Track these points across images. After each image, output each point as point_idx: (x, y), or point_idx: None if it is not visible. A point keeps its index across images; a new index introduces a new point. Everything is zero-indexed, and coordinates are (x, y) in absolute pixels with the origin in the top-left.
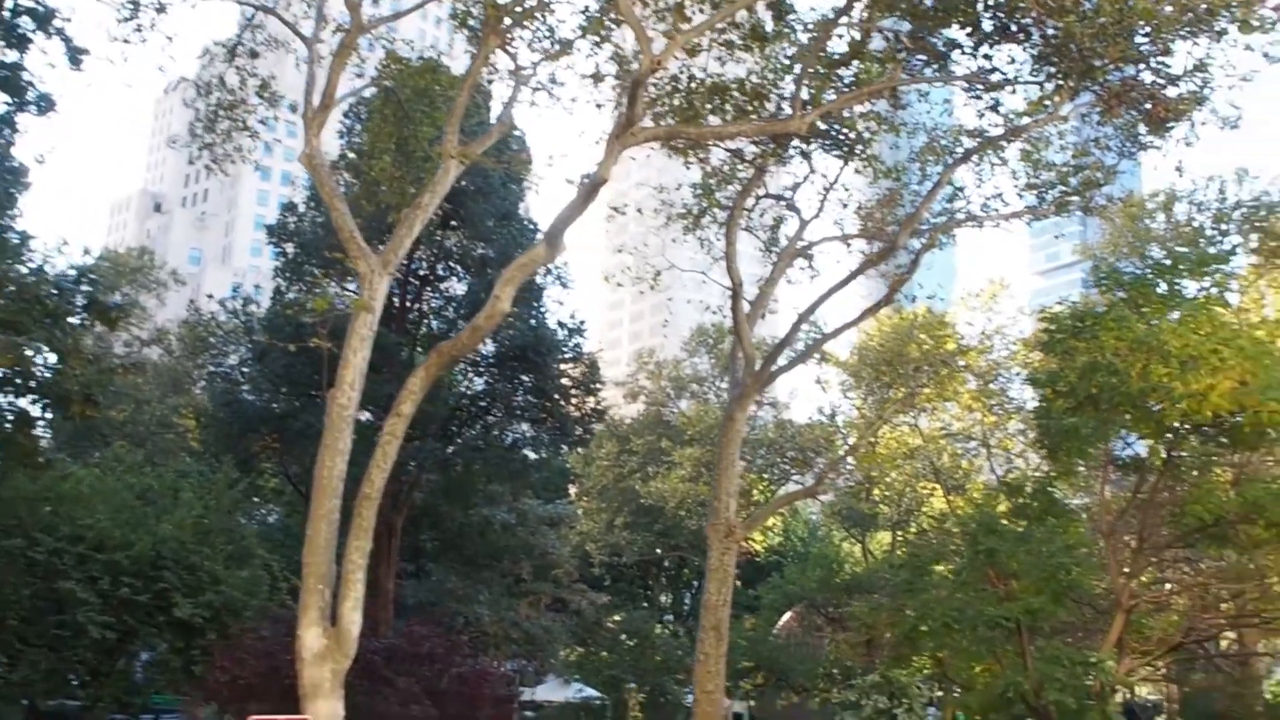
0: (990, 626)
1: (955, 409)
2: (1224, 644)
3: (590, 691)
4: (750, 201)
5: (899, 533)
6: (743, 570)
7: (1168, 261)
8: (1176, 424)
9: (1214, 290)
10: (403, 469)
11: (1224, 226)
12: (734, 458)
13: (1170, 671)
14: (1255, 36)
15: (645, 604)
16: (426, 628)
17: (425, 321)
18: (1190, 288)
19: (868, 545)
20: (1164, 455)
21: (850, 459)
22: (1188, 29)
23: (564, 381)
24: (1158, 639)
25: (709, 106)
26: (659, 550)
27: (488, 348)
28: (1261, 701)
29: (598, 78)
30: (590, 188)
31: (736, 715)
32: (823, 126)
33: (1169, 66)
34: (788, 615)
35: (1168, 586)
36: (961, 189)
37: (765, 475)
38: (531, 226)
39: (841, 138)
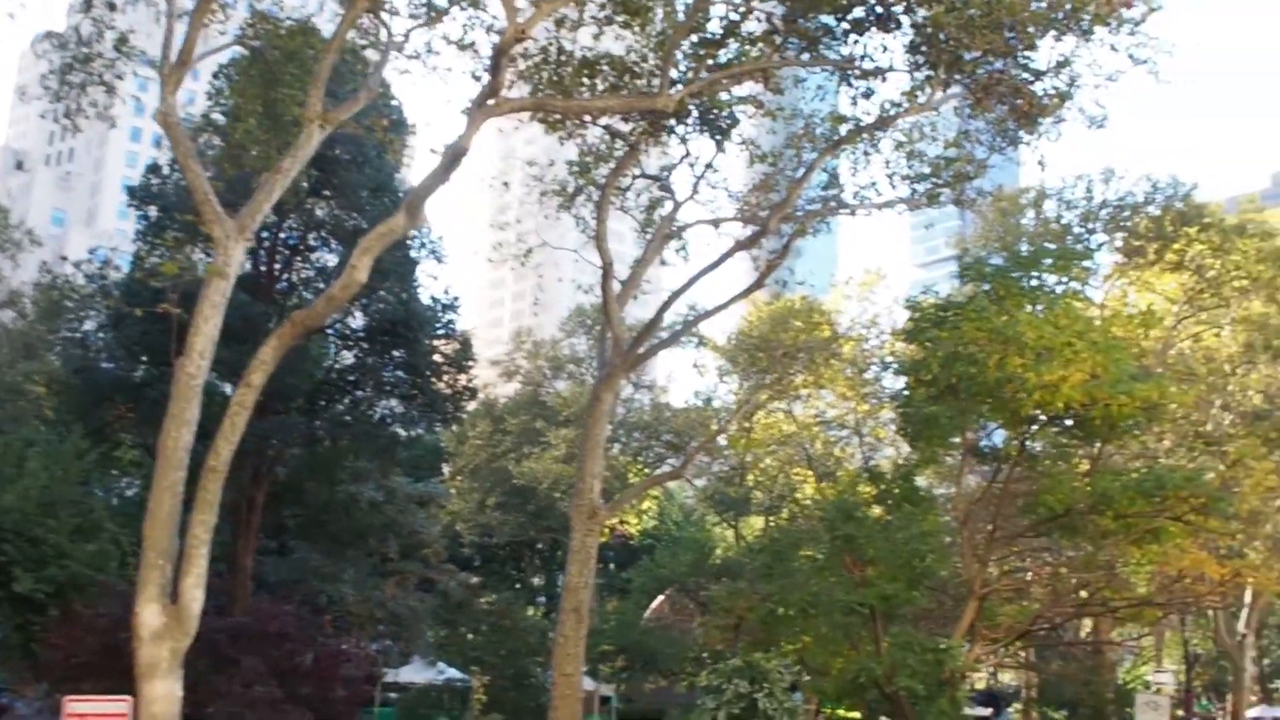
0: (846, 612)
1: (830, 397)
2: (1083, 632)
3: (455, 673)
4: (626, 181)
5: (771, 518)
6: (617, 554)
7: (1030, 255)
8: (1031, 414)
9: (1072, 285)
10: (266, 443)
11: (1090, 225)
12: (600, 439)
13: (1029, 659)
14: (1121, 38)
15: (517, 585)
16: (276, 606)
17: (296, 292)
18: (1051, 282)
19: (740, 530)
20: (1019, 445)
21: (723, 443)
22: (1054, 26)
23: (436, 358)
24: (1008, 626)
25: (579, 81)
26: (532, 532)
27: (358, 321)
28: (1113, 688)
29: (463, 45)
30: (451, 157)
31: (604, 699)
32: (696, 107)
33: (1034, 62)
34: (659, 599)
35: (1024, 575)
36: (836, 177)
37: (640, 458)
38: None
39: (713, 119)
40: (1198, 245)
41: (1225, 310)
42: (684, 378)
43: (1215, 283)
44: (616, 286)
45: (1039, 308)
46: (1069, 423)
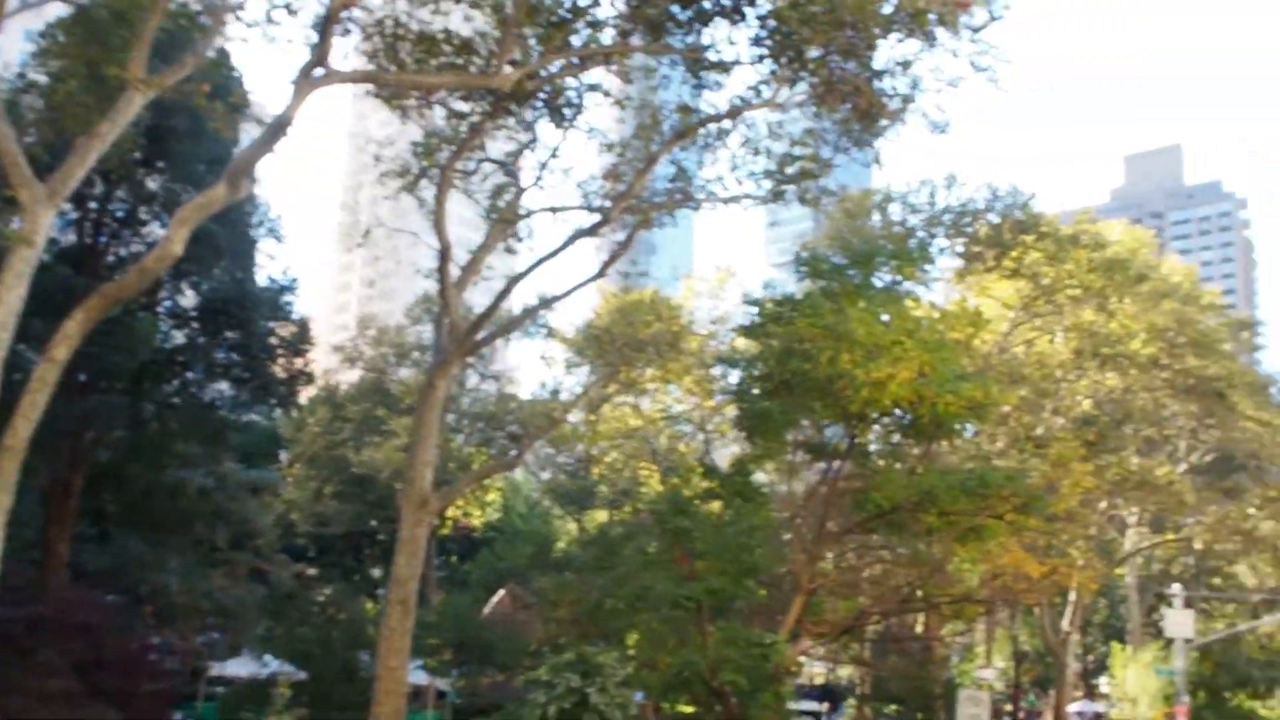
0: (674, 606)
1: (677, 392)
2: (918, 628)
3: (283, 666)
4: (471, 165)
5: (614, 512)
6: (459, 545)
7: (866, 254)
8: (861, 411)
9: (907, 285)
10: (86, 424)
11: (934, 230)
12: (433, 426)
13: (863, 655)
14: (963, 45)
15: (355, 577)
16: (83, 595)
17: (124, 267)
18: (887, 281)
19: (584, 524)
20: (849, 441)
21: (567, 435)
22: (896, 27)
23: (271, 340)
24: (834, 622)
25: (418, 57)
26: (371, 522)
27: (189, 300)
28: (942, 684)
29: (292, 10)
30: (275, 128)
31: (441, 694)
32: (542, 93)
33: (876, 63)
34: (501, 593)
35: (852, 571)
36: (684, 170)
37: (485, 449)
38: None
39: (558, 104)
40: (1034, 254)
41: (1059, 318)
42: (533, 369)
43: (1049, 290)
44: (456, 272)
45: (873, 306)
46: (900, 420)
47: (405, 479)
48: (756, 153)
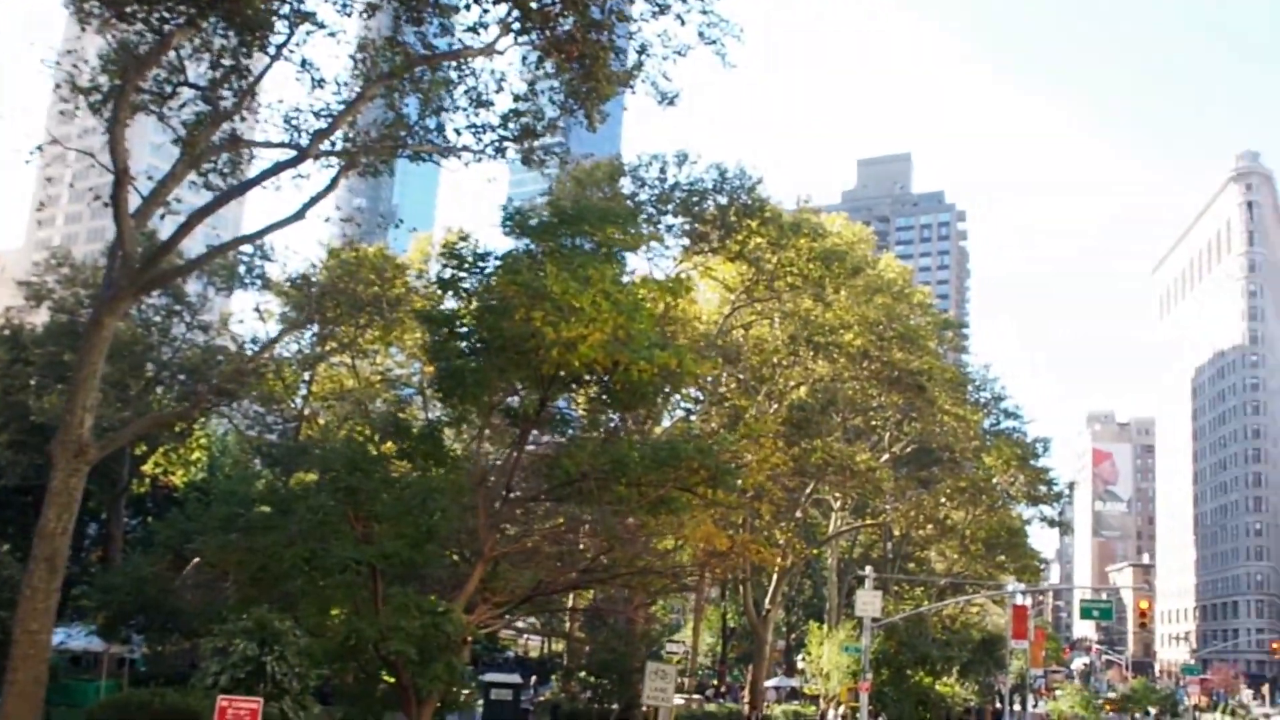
0: (345, 570)
1: (401, 355)
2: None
3: None
4: (168, 90)
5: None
6: (158, 506)
7: (575, 213)
8: (553, 373)
9: (620, 253)
10: None
11: (664, 206)
12: (96, 367)
13: (573, 629)
14: (692, 14)
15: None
16: None
17: None
18: (596, 245)
19: (291, 485)
20: (539, 405)
21: (275, 393)
22: None
23: None
24: (514, 591)
25: None
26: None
27: None
28: (644, 658)
29: None
30: None
31: (124, 661)
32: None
33: (603, 20)
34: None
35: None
36: (401, 116)
37: (188, 403)
38: None
39: (251, 23)
40: (758, 238)
41: (777, 304)
42: (252, 322)
43: (770, 276)
44: (136, 200)
45: (577, 268)
46: (594, 385)
47: (61, 423)
48: (478, 104)
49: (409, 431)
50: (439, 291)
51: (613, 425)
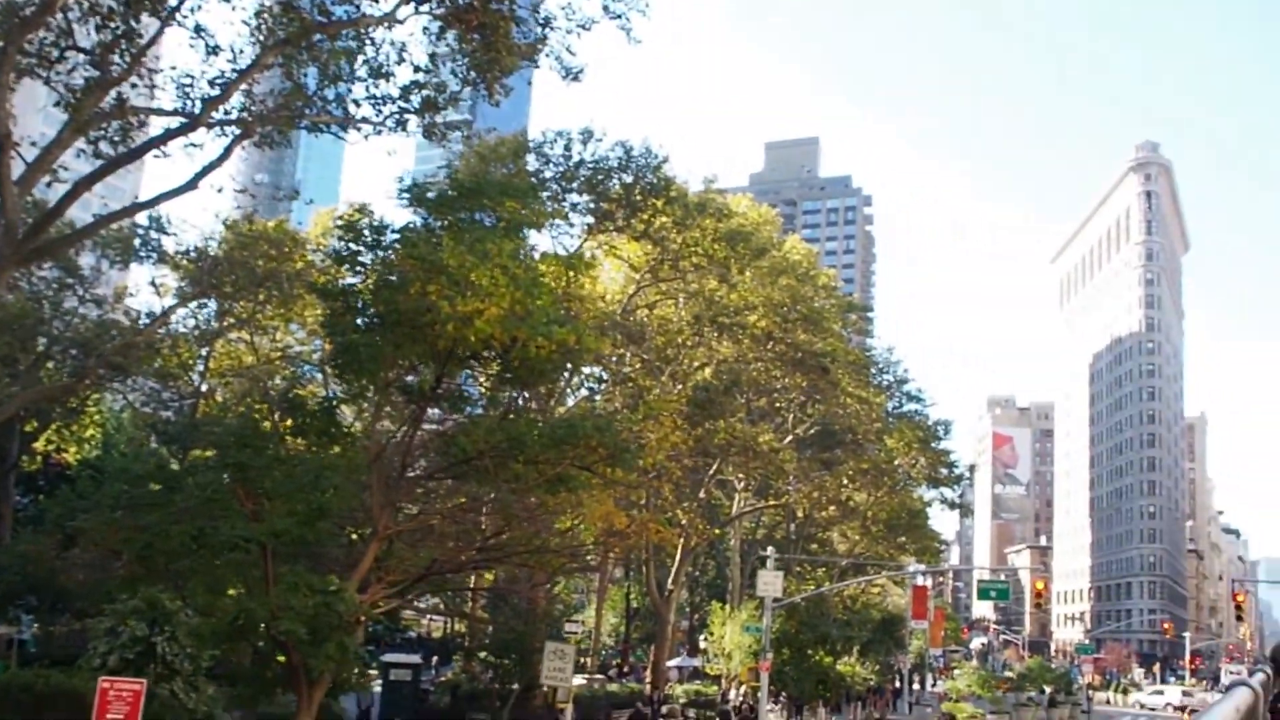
0: (234, 549)
1: (302, 333)
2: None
3: None
4: (55, 53)
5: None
6: (50, 483)
7: (474, 185)
8: (450, 349)
9: (510, 222)
10: None
11: (570, 184)
12: None
13: (474, 609)
14: None
15: None
16: None
17: None
18: (496, 220)
19: (184, 462)
20: (435, 381)
21: (170, 369)
22: None
23: None
24: (409, 571)
25: None
26: None
27: None
28: (542, 636)
29: None
30: None
31: (18, 642)
32: None
33: None
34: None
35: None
36: (300, 85)
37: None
38: None
39: None
40: (663, 218)
41: (682, 284)
42: (145, 296)
43: (675, 256)
44: (20, 166)
45: (476, 241)
46: (491, 362)
47: None
48: (378, 76)
49: (304, 408)
50: (336, 266)
51: (514, 403)
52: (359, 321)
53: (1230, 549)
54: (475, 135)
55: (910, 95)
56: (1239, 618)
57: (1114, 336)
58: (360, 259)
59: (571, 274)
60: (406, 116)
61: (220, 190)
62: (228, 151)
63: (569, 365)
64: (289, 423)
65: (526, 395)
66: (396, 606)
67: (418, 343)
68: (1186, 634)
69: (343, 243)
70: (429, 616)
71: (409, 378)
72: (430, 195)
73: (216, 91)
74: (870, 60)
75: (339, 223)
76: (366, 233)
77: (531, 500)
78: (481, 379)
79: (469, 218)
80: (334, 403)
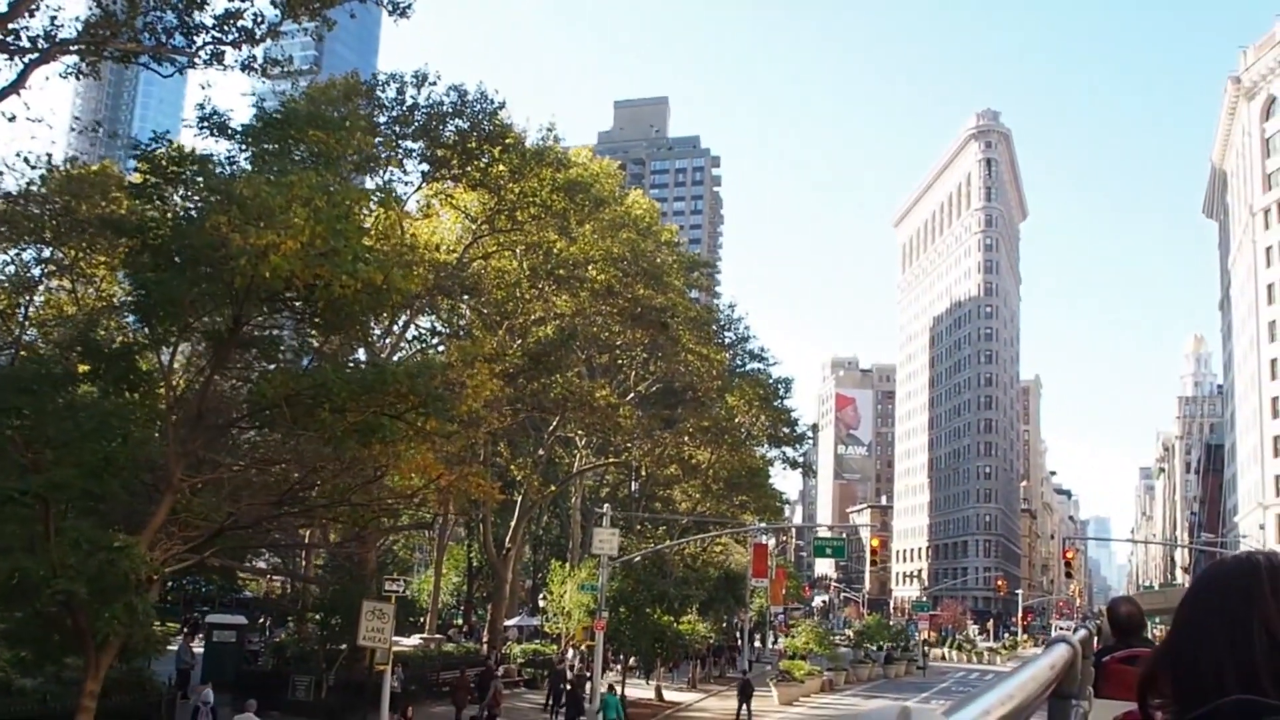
0: (8, 502)
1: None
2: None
3: None
4: None
5: None
6: None
7: (284, 115)
8: (247, 287)
9: (323, 156)
10: None
11: (403, 130)
12: None
13: (307, 570)
14: None
15: None
16: None
17: None
18: (311, 153)
19: None
20: (233, 323)
21: None
22: None
23: None
24: (202, 526)
25: None
26: None
27: None
28: (373, 595)
29: None
30: None
31: None
32: None
33: None
34: None
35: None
36: (112, 14)
37: None
38: None
39: None
40: (500, 166)
41: (520, 235)
42: None
43: (512, 206)
44: None
45: (284, 174)
46: (293, 302)
47: None
48: (192, 4)
49: (100, 352)
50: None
51: (330, 349)
52: (158, 260)
53: (1062, 509)
54: (310, 78)
55: (759, 59)
56: (1069, 575)
57: (954, 300)
58: (161, 192)
59: (384, 211)
60: (222, 49)
61: (42, 123)
62: (21, 77)
63: (378, 307)
64: (84, 368)
65: (339, 340)
66: (228, 565)
67: (214, 282)
68: (1020, 591)
69: (139, 175)
70: (270, 576)
71: (207, 320)
72: (235, 126)
73: (3, 9)
74: (720, 23)
75: (134, 153)
76: (165, 164)
77: (348, 453)
78: (287, 322)
79: (276, 150)
80: (134, 347)
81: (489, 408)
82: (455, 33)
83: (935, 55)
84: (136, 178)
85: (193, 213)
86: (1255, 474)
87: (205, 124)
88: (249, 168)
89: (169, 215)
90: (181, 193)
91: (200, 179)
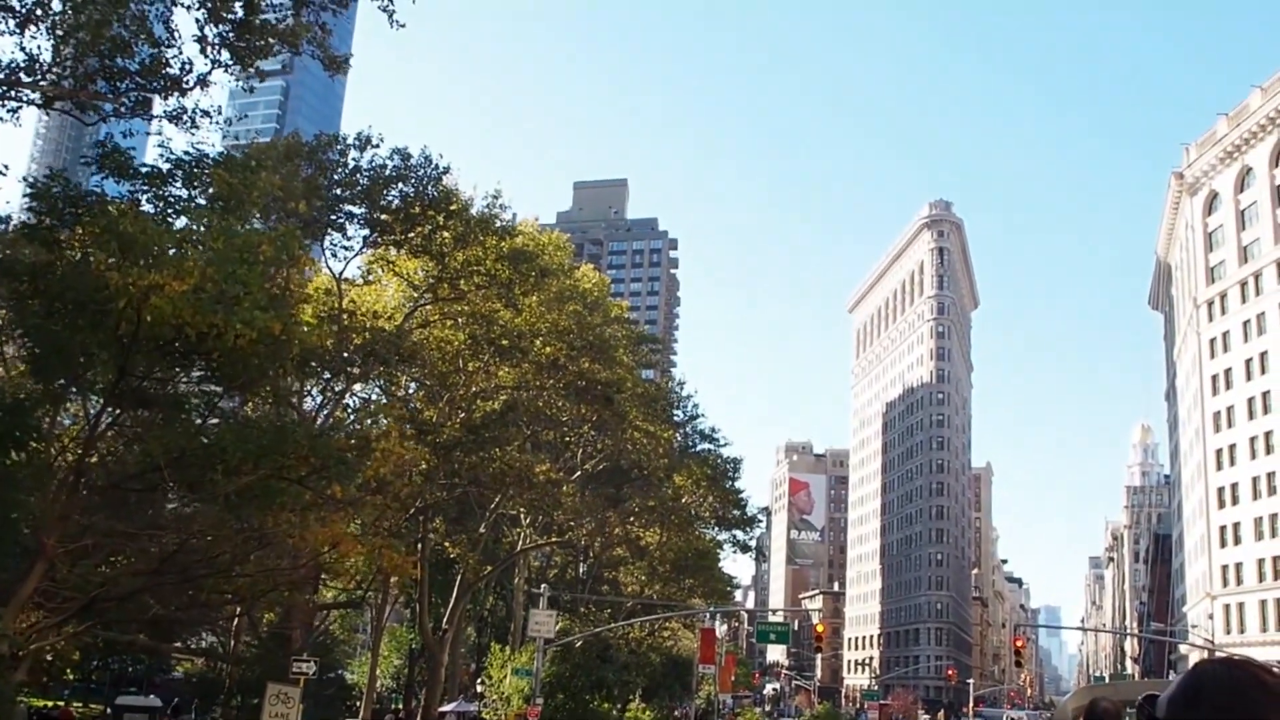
0: None
1: None
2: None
3: None
4: None
5: None
6: None
7: (187, 159)
8: (133, 334)
9: (224, 198)
10: None
11: (346, 193)
12: None
13: (234, 651)
14: None
15: None
16: None
17: None
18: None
19: None
20: (118, 374)
21: None
22: None
23: None
24: (73, 595)
25: None
26: None
27: None
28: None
29: None
30: None
31: None
32: None
33: None
34: None
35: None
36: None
37: None
38: None
39: None
40: (444, 233)
41: (465, 304)
42: None
43: (455, 274)
44: None
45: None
46: (185, 353)
47: None
48: (116, 50)
49: None
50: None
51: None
52: (52, 307)
53: (1013, 597)
54: (248, 134)
55: (719, 144)
56: (1019, 664)
57: (906, 386)
58: (55, 235)
59: (287, 257)
60: (148, 96)
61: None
62: None
63: (278, 359)
64: None
65: (257, 401)
66: (153, 645)
67: (98, 330)
68: (971, 680)
69: (32, 214)
70: (202, 658)
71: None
72: (139, 167)
73: None
74: (680, 109)
75: (28, 191)
76: (60, 204)
77: (251, 520)
78: (193, 378)
79: (186, 197)
80: (26, 403)
81: (399, 475)
82: (416, 114)
83: (891, 145)
84: (33, 219)
85: (83, 255)
86: (1203, 564)
87: (106, 163)
88: (149, 210)
89: (59, 259)
90: (76, 234)
91: (90, 218)
